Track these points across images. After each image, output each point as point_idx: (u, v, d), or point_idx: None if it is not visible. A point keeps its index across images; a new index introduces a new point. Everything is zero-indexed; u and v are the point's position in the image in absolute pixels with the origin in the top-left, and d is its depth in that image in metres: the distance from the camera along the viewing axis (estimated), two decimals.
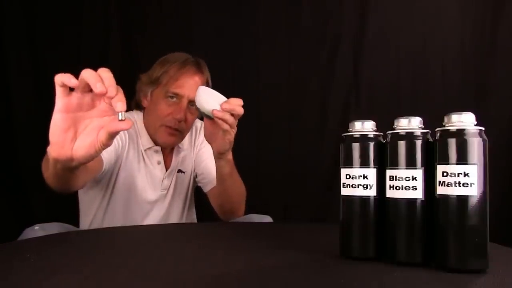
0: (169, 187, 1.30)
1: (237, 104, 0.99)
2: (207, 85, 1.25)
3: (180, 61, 1.22)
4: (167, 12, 1.84)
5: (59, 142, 0.67)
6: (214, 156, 1.10)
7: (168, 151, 1.30)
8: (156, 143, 1.26)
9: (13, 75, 1.75)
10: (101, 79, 0.64)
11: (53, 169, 0.78)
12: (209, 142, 1.08)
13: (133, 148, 1.24)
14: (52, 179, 0.86)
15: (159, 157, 1.27)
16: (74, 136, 0.68)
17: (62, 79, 0.65)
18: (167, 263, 0.64)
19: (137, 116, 1.28)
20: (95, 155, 0.70)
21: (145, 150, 1.25)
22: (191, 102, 1.20)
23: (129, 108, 1.28)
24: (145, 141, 1.25)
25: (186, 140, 1.32)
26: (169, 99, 1.21)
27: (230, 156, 1.09)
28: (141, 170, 1.25)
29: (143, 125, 1.27)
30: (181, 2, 1.86)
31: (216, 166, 1.12)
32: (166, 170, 1.29)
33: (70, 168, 0.73)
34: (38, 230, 0.96)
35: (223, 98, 1.00)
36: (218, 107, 0.98)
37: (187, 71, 1.21)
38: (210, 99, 1.00)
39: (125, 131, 1.19)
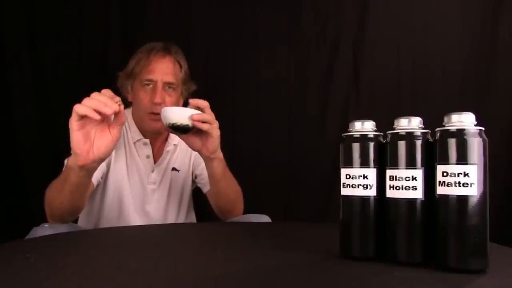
0: (160, 182, 1.31)
1: (200, 102, 1.02)
2: (180, 66, 1.28)
3: (147, 50, 1.27)
4: (167, 12, 1.84)
5: (83, 152, 0.88)
6: (204, 160, 1.11)
7: (158, 145, 1.32)
8: (145, 135, 1.28)
9: (13, 75, 1.75)
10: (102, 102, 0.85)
11: (73, 182, 0.94)
12: (196, 151, 1.10)
13: (122, 143, 1.27)
14: (64, 201, 0.99)
15: (148, 151, 1.29)
16: (91, 143, 0.89)
17: (85, 112, 0.84)
18: (167, 263, 0.64)
19: (126, 112, 1.31)
20: (114, 148, 0.93)
21: (134, 143, 1.28)
22: (167, 85, 1.25)
23: None
24: (134, 133, 1.29)
25: (177, 136, 1.33)
26: (145, 86, 1.24)
27: (221, 154, 1.11)
28: (129, 164, 1.27)
29: (131, 119, 1.30)
30: (181, 2, 1.86)
31: (208, 169, 1.14)
32: (155, 163, 1.30)
33: (90, 172, 0.95)
34: (47, 228, 0.97)
35: (184, 108, 1.02)
36: (189, 114, 0.99)
37: (155, 55, 1.25)
38: (179, 111, 1.01)
39: None
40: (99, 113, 0.85)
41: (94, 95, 0.86)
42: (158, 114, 1.22)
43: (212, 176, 1.15)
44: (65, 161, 1.16)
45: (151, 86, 1.24)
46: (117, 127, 0.91)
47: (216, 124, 1.03)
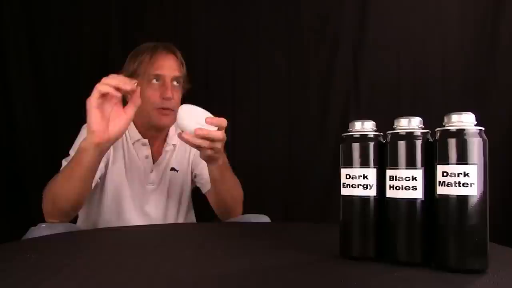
0: (159, 183, 1.30)
1: (216, 124, 0.98)
2: (182, 65, 1.29)
3: (150, 48, 1.27)
4: (167, 12, 1.84)
5: (100, 130, 0.93)
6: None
7: (157, 145, 1.32)
8: (144, 135, 1.28)
9: (13, 75, 1.75)
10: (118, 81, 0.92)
11: (85, 164, 0.96)
12: None
13: (121, 144, 1.26)
14: (71, 190, 1.00)
15: (147, 151, 1.29)
16: (107, 122, 0.94)
17: (106, 90, 0.91)
18: (167, 263, 0.64)
19: None
20: (127, 128, 0.99)
21: (133, 143, 1.28)
22: (175, 79, 1.25)
23: None
24: (133, 134, 1.28)
25: (176, 136, 1.33)
26: (154, 81, 1.24)
27: (219, 162, 1.09)
28: (128, 164, 1.27)
29: None
30: (181, 2, 1.86)
31: (208, 169, 1.14)
32: (154, 163, 1.30)
33: (103, 153, 0.98)
34: (44, 228, 0.96)
35: (205, 115, 0.98)
36: (195, 126, 0.96)
37: (160, 53, 1.26)
38: (187, 121, 0.98)
39: None
40: (119, 90, 0.92)
41: (112, 76, 0.93)
42: (169, 109, 1.23)
43: (210, 177, 1.16)
44: (63, 162, 1.16)
45: (159, 82, 1.24)
46: (132, 107, 0.96)
47: (210, 150, 1.00)
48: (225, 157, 1.11)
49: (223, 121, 0.99)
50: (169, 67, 1.25)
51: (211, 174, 1.14)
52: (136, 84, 0.94)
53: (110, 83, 0.91)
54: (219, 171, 1.11)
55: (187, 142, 0.99)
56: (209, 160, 1.07)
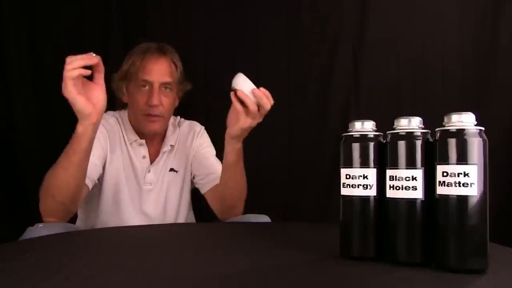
0: (157, 183, 1.30)
1: (266, 95, 1.05)
2: (176, 66, 1.28)
3: (142, 51, 1.26)
4: (167, 12, 1.84)
5: (92, 109, 0.94)
6: (225, 140, 1.11)
7: (154, 146, 1.32)
8: (140, 136, 1.28)
9: (13, 75, 1.75)
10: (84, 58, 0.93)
11: (83, 147, 0.97)
12: (228, 126, 1.10)
13: (118, 144, 1.27)
14: (71, 178, 1.00)
15: (144, 151, 1.29)
16: (91, 100, 0.95)
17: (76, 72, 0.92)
18: (166, 263, 0.64)
19: (122, 113, 1.33)
20: (105, 95, 0.98)
21: (130, 144, 1.28)
22: (163, 86, 1.24)
23: (112, 108, 1.29)
24: (130, 134, 1.29)
25: (174, 136, 1.34)
26: (142, 88, 1.24)
27: (238, 145, 1.10)
28: (125, 164, 1.27)
29: (127, 120, 1.31)
30: (181, 2, 1.86)
31: (225, 152, 1.13)
32: (151, 164, 1.30)
33: (96, 130, 0.98)
34: (41, 228, 0.96)
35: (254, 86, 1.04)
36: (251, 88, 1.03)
37: (150, 57, 1.24)
38: (244, 83, 1.04)
39: (108, 129, 1.26)
40: (86, 68, 0.92)
41: (70, 59, 0.92)
42: (155, 115, 1.23)
43: (225, 161, 1.15)
44: None
45: (147, 87, 1.23)
46: (100, 76, 0.96)
47: (250, 119, 1.03)
48: (241, 147, 1.12)
49: (270, 98, 1.05)
50: (157, 72, 1.23)
51: (227, 158, 1.13)
52: (94, 54, 0.95)
53: (76, 66, 0.91)
54: (236, 154, 1.11)
55: (243, 98, 1.01)
56: (239, 134, 1.07)
